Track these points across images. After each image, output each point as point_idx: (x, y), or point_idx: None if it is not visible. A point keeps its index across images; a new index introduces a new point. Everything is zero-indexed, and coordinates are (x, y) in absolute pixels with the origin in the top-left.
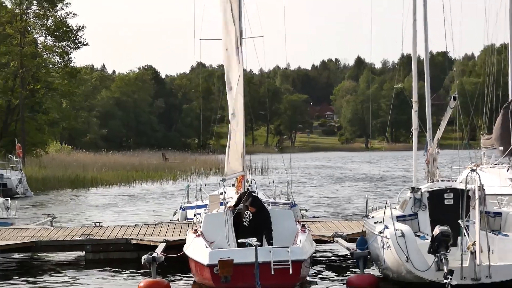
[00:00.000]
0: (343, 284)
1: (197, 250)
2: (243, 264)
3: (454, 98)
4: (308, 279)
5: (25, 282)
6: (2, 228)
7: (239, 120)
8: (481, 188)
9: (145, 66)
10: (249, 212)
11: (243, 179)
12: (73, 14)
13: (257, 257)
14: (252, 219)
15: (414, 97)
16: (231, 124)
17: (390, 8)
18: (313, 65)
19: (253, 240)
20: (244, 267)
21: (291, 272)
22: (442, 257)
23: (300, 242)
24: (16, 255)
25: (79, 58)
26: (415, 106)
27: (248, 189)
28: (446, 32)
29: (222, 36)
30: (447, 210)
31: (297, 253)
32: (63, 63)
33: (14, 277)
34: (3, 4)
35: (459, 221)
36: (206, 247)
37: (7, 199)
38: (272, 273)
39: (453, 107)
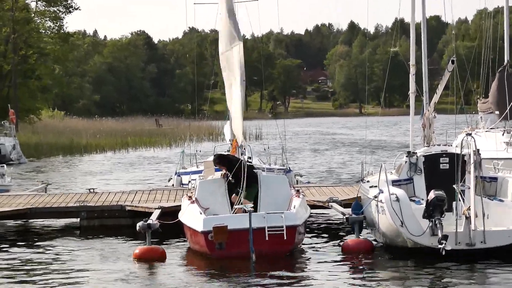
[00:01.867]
0: (339, 249)
1: (192, 217)
2: (237, 230)
3: (452, 61)
4: (303, 244)
5: (20, 249)
6: None
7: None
8: (477, 152)
9: (137, 31)
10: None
11: (237, 144)
12: None
13: (251, 223)
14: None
15: (412, 60)
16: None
17: None
18: (307, 30)
19: (248, 206)
20: (238, 233)
21: (285, 238)
22: (436, 222)
23: (294, 207)
24: (10, 222)
25: (71, 24)
26: (412, 70)
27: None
28: None
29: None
30: (442, 175)
31: (291, 218)
32: (55, 28)
33: (8, 244)
34: None
35: (454, 186)
36: (201, 213)
37: (3, 166)
38: (266, 238)
39: (451, 70)
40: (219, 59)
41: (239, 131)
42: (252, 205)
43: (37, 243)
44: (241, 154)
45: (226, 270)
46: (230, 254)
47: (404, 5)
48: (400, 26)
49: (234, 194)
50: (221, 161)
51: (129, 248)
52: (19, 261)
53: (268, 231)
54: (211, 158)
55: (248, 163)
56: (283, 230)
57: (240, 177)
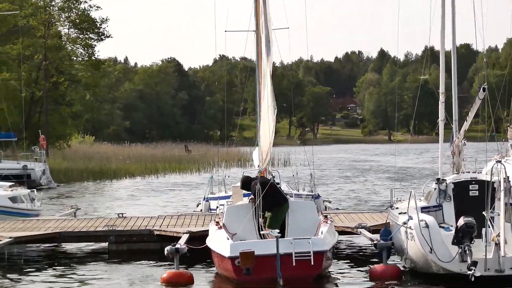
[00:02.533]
0: (367, 275)
1: (219, 242)
2: (264, 255)
3: (484, 89)
4: (331, 270)
5: (49, 273)
6: (27, 219)
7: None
8: (507, 179)
9: (168, 58)
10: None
11: (265, 172)
12: (97, 6)
13: (279, 248)
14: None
15: (442, 88)
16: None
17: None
18: (336, 57)
19: (275, 232)
20: (265, 258)
21: (312, 263)
22: (466, 248)
23: (322, 233)
24: (41, 246)
25: (103, 51)
26: (442, 97)
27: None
28: (475, 24)
29: (255, 27)
30: (472, 202)
31: (319, 244)
32: (86, 55)
33: (38, 268)
34: None
35: (484, 213)
36: (228, 239)
37: (33, 191)
38: (294, 264)
39: (482, 98)
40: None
41: (267, 153)
42: (279, 231)
43: (66, 267)
44: (269, 174)
45: None
46: (257, 279)
47: (434, 33)
48: (430, 54)
49: (262, 218)
50: (246, 182)
51: (157, 272)
52: (47, 285)
53: (295, 256)
54: (239, 183)
55: (274, 183)
56: (310, 256)
57: (267, 199)
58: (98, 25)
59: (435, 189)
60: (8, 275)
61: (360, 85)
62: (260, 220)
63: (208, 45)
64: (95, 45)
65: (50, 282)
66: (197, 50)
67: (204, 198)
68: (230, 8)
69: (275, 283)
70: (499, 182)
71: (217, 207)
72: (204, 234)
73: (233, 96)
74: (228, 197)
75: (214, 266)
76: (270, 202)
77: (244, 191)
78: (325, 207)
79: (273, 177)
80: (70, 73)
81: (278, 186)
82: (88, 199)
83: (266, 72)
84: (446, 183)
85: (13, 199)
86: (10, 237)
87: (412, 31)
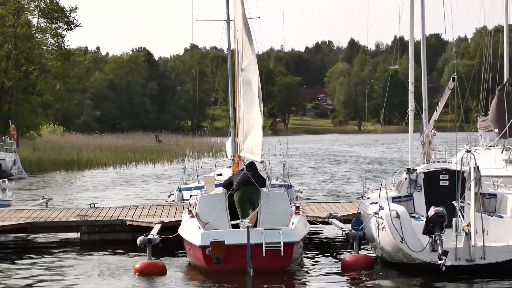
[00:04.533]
0: (338, 264)
1: (191, 231)
2: (234, 245)
3: (453, 79)
4: (303, 259)
5: (21, 263)
6: None
7: (255, 100)
8: (476, 169)
9: (138, 48)
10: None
11: (240, 160)
12: None
13: (249, 238)
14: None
15: (411, 78)
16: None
17: None
18: (307, 47)
19: (246, 221)
20: (236, 248)
21: (282, 254)
22: (436, 238)
23: (293, 224)
24: (12, 236)
25: (73, 40)
26: (411, 87)
27: (243, 168)
28: (444, 14)
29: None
30: (442, 191)
31: (289, 235)
32: (56, 44)
33: (10, 258)
34: None
35: (454, 202)
36: (199, 228)
37: (4, 181)
38: (264, 254)
39: (451, 87)
40: (237, 76)
41: (259, 146)
42: (249, 222)
43: (38, 257)
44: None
45: (224, 285)
46: (227, 269)
47: (404, 23)
48: (400, 44)
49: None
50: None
51: (130, 262)
52: (20, 275)
53: (265, 247)
54: (212, 173)
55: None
56: (280, 247)
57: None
58: (67, 14)
59: (405, 179)
60: None
61: (331, 75)
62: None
63: (178, 34)
64: (64, 34)
65: (22, 272)
66: (167, 40)
67: (177, 188)
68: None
69: (245, 273)
70: (469, 171)
71: (190, 196)
72: (177, 224)
73: (204, 86)
74: (201, 187)
75: (186, 256)
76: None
77: (216, 182)
78: (297, 197)
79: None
80: (40, 62)
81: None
82: (59, 190)
83: (252, 65)
84: (416, 173)
85: None
86: None
87: (383, 21)
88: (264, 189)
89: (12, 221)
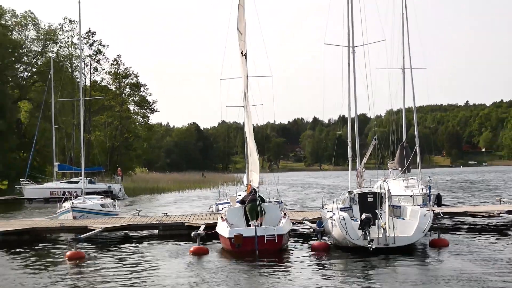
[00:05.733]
0: (309, 248)
1: (223, 229)
2: (248, 237)
3: (375, 139)
4: (288, 245)
5: (124, 247)
6: (111, 217)
7: (253, 151)
8: (389, 191)
9: (191, 123)
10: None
11: (250, 186)
12: (150, 93)
13: (256, 232)
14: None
15: (350, 138)
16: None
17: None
18: (289, 121)
19: (254, 222)
20: (249, 238)
21: (276, 241)
22: (366, 231)
23: (282, 223)
24: (118, 233)
25: (154, 118)
26: (350, 144)
27: (251, 191)
28: (369, 104)
29: (243, 104)
30: (369, 204)
31: (280, 229)
32: (144, 121)
33: (117, 246)
34: (109, 88)
35: (376, 211)
36: (227, 227)
37: (114, 200)
38: (265, 241)
39: (374, 144)
40: (246, 141)
41: (257, 179)
42: (259, 222)
43: (132, 245)
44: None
45: (242, 258)
46: (244, 250)
47: (345, 105)
48: (342, 119)
49: (258, 217)
50: (241, 201)
51: (187, 247)
52: (124, 254)
53: (266, 237)
54: (235, 195)
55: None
56: (275, 237)
57: (253, 200)
58: (151, 104)
59: (347, 197)
60: (100, 251)
61: (303, 137)
62: (255, 221)
63: (216, 114)
64: (149, 116)
65: (125, 253)
66: (208, 116)
67: (215, 203)
68: (228, 90)
69: (254, 253)
70: (385, 193)
71: (222, 209)
72: (215, 225)
73: (229, 144)
74: (228, 203)
75: (220, 243)
76: (253, 200)
77: (238, 199)
78: (284, 208)
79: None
80: (134, 131)
81: (260, 196)
82: (146, 205)
83: (250, 130)
84: (354, 194)
85: (103, 205)
86: (101, 227)
87: (334, 104)
88: (264, 204)
89: (119, 223)
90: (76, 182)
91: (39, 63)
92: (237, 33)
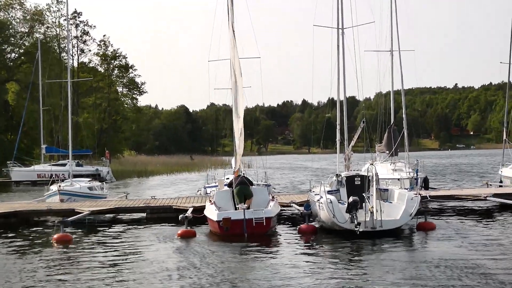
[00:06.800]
0: (296, 231)
1: (211, 212)
2: (236, 220)
3: (363, 122)
4: (276, 228)
5: (111, 231)
6: (99, 200)
7: (241, 134)
8: (376, 174)
9: (180, 105)
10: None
11: (238, 171)
12: (139, 75)
13: (245, 215)
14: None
15: (338, 121)
16: (236, 139)
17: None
18: (278, 104)
19: (243, 205)
20: (237, 221)
21: (264, 224)
22: (354, 215)
23: (270, 206)
24: (105, 216)
25: (142, 100)
26: (338, 127)
27: (239, 175)
28: (357, 85)
29: (231, 86)
30: (356, 187)
31: (268, 212)
32: (133, 103)
33: (104, 229)
34: (99, 70)
35: (364, 194)
36: (216, 210)
37: (102, 183)
38: (253, 224)
39: (362, 127)
40: (235, 123)
41: (239, 161)
42: (247, 205)
43: (121, 227)
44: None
45: (231, 242)
46: (232, 233)
47: (334, 88)
48: (331, 101)
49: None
50: (229, 184)
51: (175, 230)
52: (111, 237)
53: (254, 220)
54: (223, 178)
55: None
56: (263, 220)
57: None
58: (139, 86)
59: (335, 180)
60: (87, 235)
61: (292, 120)
62: (243, 204)
63: (205, 97)
64: (137, 98)
65: (112, 236)
66: (197, 99)
67: (203, 186)
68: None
69: (243, 236)
70: (372, 176)
71: (210, 191)
72: (203, 208)
73: (218, 126)
74: (216, 186)
75: (208, 226)
76: (241, 183)
77: (225, 183)
78: (272, 191)
79: (245, 173)
80: (123, 114)
81: (248, 179)
82: (134, 188)
83: (240, 112)
84: (341, 177)
85: (90, 188)
86: (89, 210)
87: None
88: (252, 186)
89: (106, 206)
90: (64, 165)
91: (26, 44)
92: (228, 13)
